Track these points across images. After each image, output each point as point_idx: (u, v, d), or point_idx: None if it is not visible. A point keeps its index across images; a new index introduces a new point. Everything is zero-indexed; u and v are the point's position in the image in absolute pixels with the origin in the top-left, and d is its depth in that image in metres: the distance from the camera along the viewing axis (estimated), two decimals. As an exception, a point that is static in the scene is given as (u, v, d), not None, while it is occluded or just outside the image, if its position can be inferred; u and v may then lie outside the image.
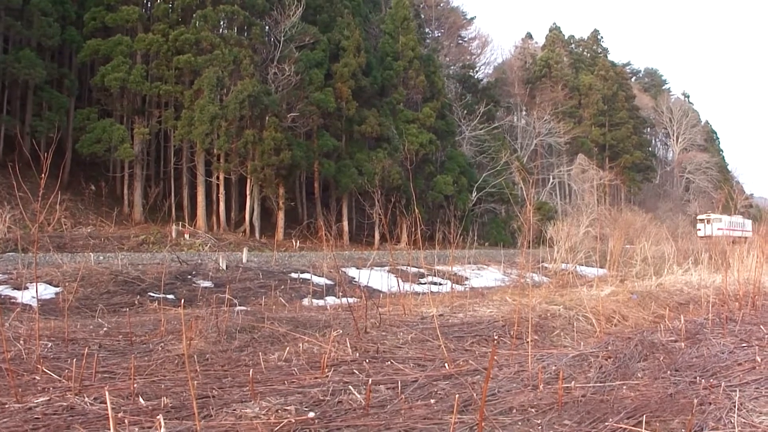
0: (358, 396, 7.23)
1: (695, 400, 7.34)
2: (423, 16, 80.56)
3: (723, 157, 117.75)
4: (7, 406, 6.63)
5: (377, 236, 51.56)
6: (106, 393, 6.26)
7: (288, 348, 9.81)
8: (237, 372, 8.57)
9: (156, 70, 45.07)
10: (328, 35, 52.31)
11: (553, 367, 9.08)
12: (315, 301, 18.66)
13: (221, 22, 47.98)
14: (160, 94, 45.62)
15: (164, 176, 50.00)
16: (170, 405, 6.79)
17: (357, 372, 8.55)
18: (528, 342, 10.04)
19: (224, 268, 22.87)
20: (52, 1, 44.47)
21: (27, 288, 16.48)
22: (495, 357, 9.36)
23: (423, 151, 56.33)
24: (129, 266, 21.17)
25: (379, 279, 23.01)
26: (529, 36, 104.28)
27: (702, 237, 57.44)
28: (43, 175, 8.55)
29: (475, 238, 46.41)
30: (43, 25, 42.96)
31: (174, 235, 37.25)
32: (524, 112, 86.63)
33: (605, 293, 16.59)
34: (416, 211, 20.90)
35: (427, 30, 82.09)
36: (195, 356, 9.06)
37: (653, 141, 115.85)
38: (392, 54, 60.02)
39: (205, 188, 46.40)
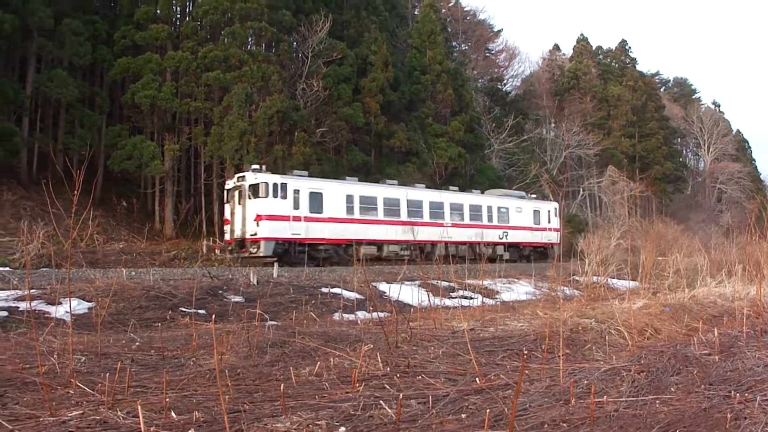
0: (389, 411, 7.21)
1: (729, 415, 7.26)
2: (450, 30, 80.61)
3: (756, 166, 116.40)
4: (41, 419, 6.68)
5: (407, 250, 51.64)
6: (139, 407, 6.32)
7: (319, 362, 9.79)
8: (268, 386, 8.56)
9: (185, 87, 45.39)
10: (355, 50, 52.48)
11: (585, 382, 9.01)
12: (346, 315, 18.58)
13: (249, 39, 48.27)
14: (189, 111, 45.99)
15: (195, 192, 50.31)
16: (202, 419, 6.81)
17: (388, 386, 8.52)
18: (559, 356, 9.96)
19: (255, 283, 22.88)
20: (83, 20, 45.00)
21: (60, 303, 16.59)
22: (526, 371, 9.31)
23: (452, 164, 56.43)
24: (161, 281, 21.23)
25: (409, 293, 22.93)
26: (557, 47, 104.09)
27: None
28: (75, 191, 8.62)
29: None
30: (75, 44, 43.46)
31: (205, 250, 37.65)
32: (553, 124, 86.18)
33: (637, 306, 16.40)
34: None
35: (454, 43, 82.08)
36: (226, 371, 9.07)
37: (684, 151, 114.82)
38: (420, 68, 60.18)
39: (234, 203, 46.56)
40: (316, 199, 35.81)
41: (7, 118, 39.97)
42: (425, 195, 42.59)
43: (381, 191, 39.87)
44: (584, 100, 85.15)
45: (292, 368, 9.41)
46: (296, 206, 34.77)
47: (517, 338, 12.40)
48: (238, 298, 20.61)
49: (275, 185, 34.23)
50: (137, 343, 11.91)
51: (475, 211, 45.41)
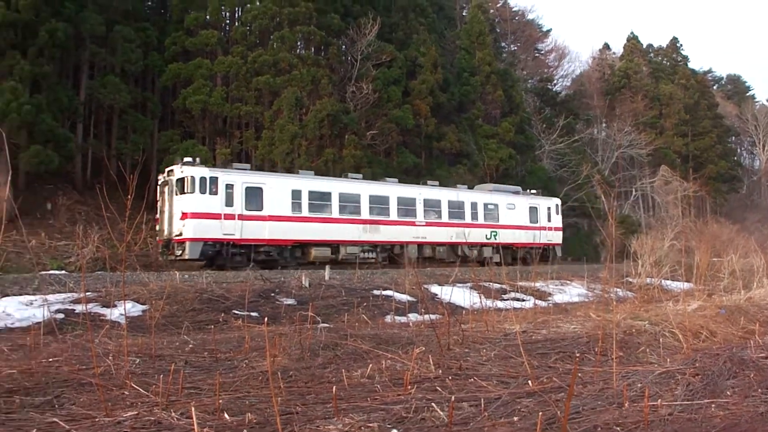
0: (441, 413, 7.20)
1: (787, 419, 7.15)
2: (499, 31, 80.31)
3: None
4: (97, 420, 6.77)
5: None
6: (192, 408, 6.37)
7: (371, 365, 9.79)
8: (320, 389, 8.58)
9: (236, 92, 45.75)
10: (404, 52, 52.49)
11: (639, 385, 8.91)
12: (397, 317, 18.58)
13: (298, 43, 48.48)
14: (240, 115, 46.30)
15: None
16: (255, 421, 6.84)
17: (440, 389, 8.51)
18: (613, 359, 9.87)
19: (307, 285, 22.95)
20: (135, 28, 45.63)
21: (115, 306, 16.80)
22: (579, 374, 9.24)
23: (503, 166, 56.19)
24: (213, 284, 21.38)
25: (461, 295, 22.83)
26: (607, 46, 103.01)
27: None
28: (129, 195, 8.73)
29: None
30: (127, 51, 44.09)
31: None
32: (604, 124, 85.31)
33: (692, 308, 16.20)
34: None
35: (503, 44, 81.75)
36: (279, 373, 9.10)
37: (738, 150, 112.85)
38: (469, 69, 60.05)
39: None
40: (253, 195, 32.47)
41: (62, 125, 40.54)
42: (392, 190, 38.63)
43: (336, 186, 36.22)
44: (635, 99, 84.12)
45: (344, 370, 9.43)
46: (229, 203, 31.42)
47: (569, 341, 12.31)
48: (290, 301, 20.68)
49: (203, 179, 30.94)
50: (191, 345, 12.01)
51: (456, 208, 41.51)
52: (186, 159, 32.33)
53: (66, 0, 41.28)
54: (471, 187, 45.69)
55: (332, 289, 22.77)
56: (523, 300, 24.51)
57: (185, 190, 30.77)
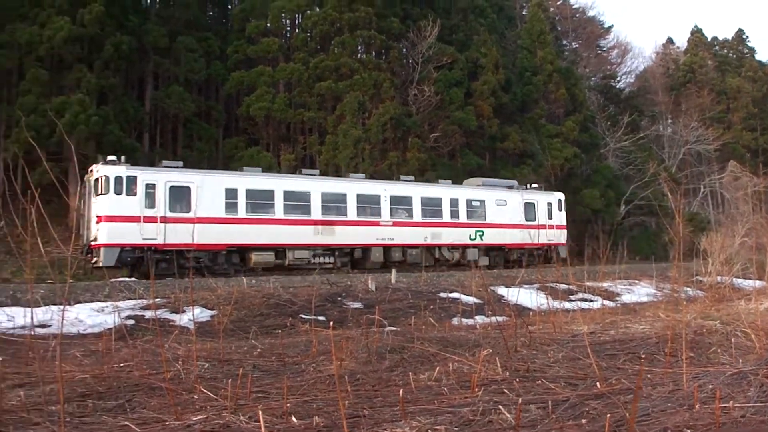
0: (508, 416, 7.13)
1: None
2: (559, 29, 79.65)
3: None
4: (167, 423, 6.84)
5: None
6: (260, 412, 6.40)
7: (438, 367, 9.74)
8: (387, 392, 8.56)
9: (298, 98, 46.12)
10: (465, 54, 52.39)
11: (710, 386, 8.71)
12: (464, 320, 18.52)
13: (359, 48, 48.78)
14: (303, 121, 46.72)
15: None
16: (322, 424, 6.86)
17: (507, 391, 8.43)
18: (683, 359, 9.69)
19: (374, 289, 22.98)
20: (197, 38, 46.37)
21: (184, 311, 17.02)
22: (648, 375, 9.10)
23: (567, 165, 55.66)
24: (280, 289, 21.52)
25: (527, 297, 22.70)
26: (670, 41, 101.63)
27: None
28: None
29: (625, 252, 44.47)
30: (190, 61, 44.84)
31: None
32: (670, 120, 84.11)
33: (765, 307, 15.86)
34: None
35: (564, 42, 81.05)
36: (346, 376, 9.11)
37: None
38: (531, 69, 59.62)
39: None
40: (179, 195, 29.17)
41: (128, 135, 41.26)
42: (350, 186, 34.58)
43: (280, 183, 32.55)
44: (701, 94, 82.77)
45: (411, 373, 9.39)
46: (150, 204, 28.26)
47: (638, 341, 12.12)
48: (356, 305, 20.72)
49: (118, 179, 27.89)
50: (258, 350, 12.09)
51: (431, 205, 36.93)
52: (109, 157, 29.09)
53: (130, 13, 42.11)
54: (460, 182, 41.96)
55: (399, 292, 22.79)
56: (591, 300, 24.27)
57: (100, 191, 27.97)
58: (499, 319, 15.27)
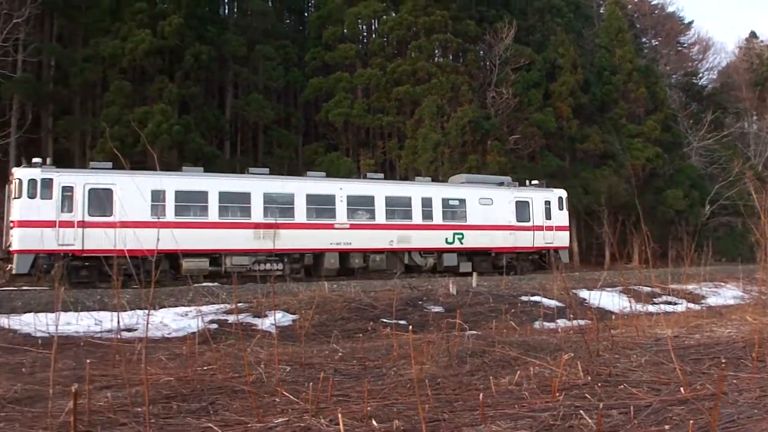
0: (590, 421, 7.02)
1: None
2: (638, 26, 78.51)
3: None
4: (249, 425, 6.91)
5: (607, 256, 50.35)
6: (339, 415, 6.42)
7: (518, 372, 9.66)
8: (468, 396, 8.52)
9: (376, 103, 46.34)
10: (542, 54, 52.04)
11: (800, 393, 8.50)
12: (545, 323, 18.33)
13: (436, 51, 48.80)
14: (382, 126, 46.92)
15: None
16: (402, 428, 6.84)
17: (588, 396, 8.31)
18: (771, 365, 9.47)
19: (455, 293, 22.91)
20: (275, 46, 47.02)
21: (266, 315, 17.20)
22: (734, 380, 8.90)
23: (649, 165, 54.72)
24: (361, 293, 21.59)
25: (609, 300, 22.42)
26: (753, 35, 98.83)
27: None
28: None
29: (710, 253, 42.71)
30: (268, 69, 45.51)
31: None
32: (755, 117, 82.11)
33: None
34: (644, 228, 20.16)
35: (643, 40, 79.81)
36: (426, 380, 9.09)
37: None
38: (609, 68, 58.82)
39: (431, 215, 47.02)
40: (100, 198, 27.07)
41: (210, 143, 41.96)
42: (298, 186, 31.32)
43: (214, 183, 29.78)
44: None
45: (491, 377, 9.33)
46: (66, 208, 26.46)
47: (724, 345, 11.85)
48: (437, 308, 20.69)
49: (32, 182, 26.26)
50: (339, 354, 12.14)
51: (398, 205, 33.23)
52: (34, 160, 27.56)
53: (208, 24, 42.89)
54: (445, 180, 38.87)
55: (480, 296, 22.68)
56: (675, 303, 23.84)
57: (14, 195, 26.51)
58: (581, 322, 15.13)
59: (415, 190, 33.94)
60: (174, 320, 17.24)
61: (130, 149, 34.39)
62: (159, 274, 26.37)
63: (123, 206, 26.23)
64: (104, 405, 7.76)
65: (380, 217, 32.34)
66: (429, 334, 14.28)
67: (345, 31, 49.45)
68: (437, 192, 34.39)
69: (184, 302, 19.63)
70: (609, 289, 24.58)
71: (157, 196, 27.57)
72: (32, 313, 16.73)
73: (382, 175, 36.00)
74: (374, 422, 7.02)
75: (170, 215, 27.77)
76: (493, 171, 42.26)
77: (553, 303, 21.91)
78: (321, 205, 31.15)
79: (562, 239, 37.68)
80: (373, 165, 46.17)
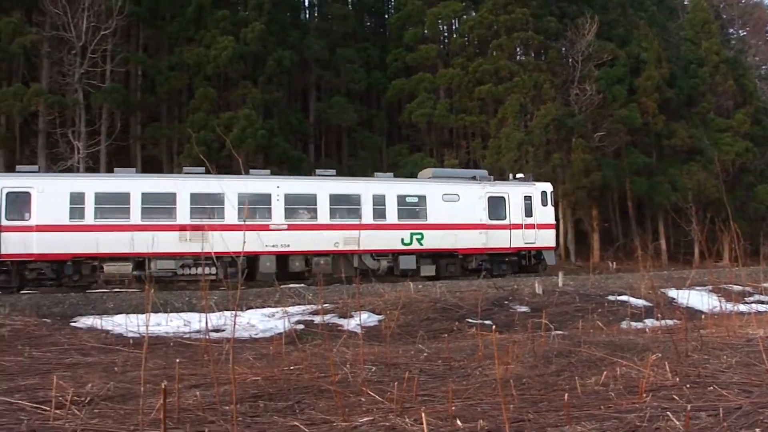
0: (677, 423, 6.90)
1: None
2: (724, 17, 76.90)
3: None
4: (335, 424, 6.98)
5: (696, 254, 49.33)
6: (423, 414, 6.43)
7: (605, 372, 9.55)
8: (553, 396, 8.46)
9: (459, 103, 46.34)
10: (626, 49, 51.34)
11: None
12: (633, 323, 18.10)
13: (517, 50, 48.52)
14: (465, 125, 46.85)
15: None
16: (486, 428, 6.82)
17: (676, 397, 8.16)
18: None
19: (540, 292, 22.73)
20: (356, 48, 47.37)
21: (352, 316, 17.32)
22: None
23: (739, 160, 53.43)
24: (447, 293, 21.55)
25: (699, 299, 21.99)
26: None
27: None
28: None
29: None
30: (350, 72, 45.83)
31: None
32: None
33: None
34: (734, 225, 19.69)
35: (730, 30, 78.19)
36: (511, 380, 9.03)
37: None
38: (696, 61, 57.70)
39: (517, 214, 46.76)
40: (17, 202, 26.33)
41: (294, 146, 42.43)
42: (229, 185, 28.92)
43: (137, 184, 28.24)
44: None
45: (577, 378, 9.24)
46: None
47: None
48: (523, 308, 20.56)
49: None
50: (425, 354, 12.16)
51: (346, 203, 30.77)
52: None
53: (290, 29, 43.47)
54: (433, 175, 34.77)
55: (566, 295, 22.46)
56: (768, 303, 23.26)
57: None
58: (669, 322, 14.89)
59: (365, 187, 30.95)
60: (261, 321, 17.47)
61: (216, 154, 35.08)
62: (78, 278, 26.85)
63: (40, 210, 26.12)
64: (193, 403, 7.92)
65: (323, 216, 29.88)
66: (514, 334, 14.22)
67: (425, 31, 49.50)
68: (392, 188, 31.36)
69: (271, 303, 19.94)
70: (698, 288, 24.10)
71: (76, 199, 26.75)
72: (123, 315, 17.25)
73: (334, 171, 33.19)
74: (458, 422, 7.02)
75: (89, 218, 26.88)
76: (578, 169, 41.76)
77: (640, 302, 21.60)
78: (255, 205, 28.91)
79: (547, 239, 33.24)
80: (457, 165, 46.16)
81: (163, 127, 43.32)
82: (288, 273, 28.57)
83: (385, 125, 50.71)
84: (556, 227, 34.65)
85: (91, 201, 26.79)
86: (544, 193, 33.29)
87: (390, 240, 30.14)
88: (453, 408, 7.44)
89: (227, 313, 16.07)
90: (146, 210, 27.43)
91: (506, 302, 21.25)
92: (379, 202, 30.43)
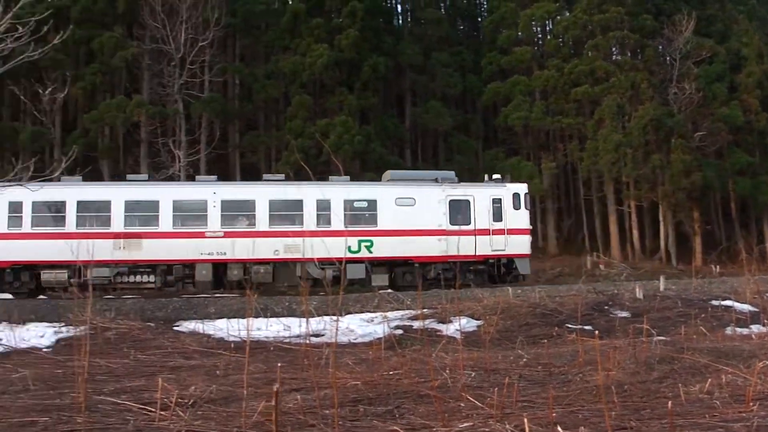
0: (787, 434, 6.80)
1: None
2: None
3: None
4: (434, 429, 7.04)
5: (807, 256, 47.93)
6: (525, 420, 6.42)
7: (709, 380, 9.42)
8: (655, 403, 8.40)
9: (555, 105, 45.97)
10: (725, 45, 50.14)
11: None
12: (738, 329, 17.72)
13: (613, 49, 47.84)
14: (562, 128, 46.49)
15: (574, 208, 50.52)
16: (587, 435, 6.82)
17: (785, 407, 8.03)
18: None
19: (641, 297, 22.42)
20: (450, 53, 47.44)
21: (451, 321, 17.37)
22: None
23: None
24: (546, 298, 21.42)
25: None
26: None
27: None
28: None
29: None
30: (445, 76, 45.96)
31: (588, 265, 36.57)
32: None
33: None
34: None
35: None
36: (612, 387, 8.98)
37: None
38: (801, 55, 55.95)
39: (616, 217, 46.08)
40: None
41: (391, 152, 42.72)
42: (164, 192, 28.95)
43: (72, 193, 27.91)
44: None
45: (680, 385, 9.15)
46: None
47: None
48: (624, 313, 20.31)
49: None
50: (524, 360, 12.14)
51: (286, 209, 29.25)
52: None
53: (383, 35, 43.80)
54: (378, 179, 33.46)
55: (667, 300, 22.11)
56: None
57: None
58: (777, 328, 14.55)
59: (307, 192, 29.07)
60: (360, 326, 17.66)
61: (314, 160, 35.55)
62: (18, 286, 27.01)
63: None
64: (293, 407, 8.08)
65: (262, 223, 28.68)
66: (615, 340, 14.10)
67: (519, 33, 49.23)
68: (338, 193, 29.36)
69: (370, 308, 20.16)
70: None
71: (14, 208, 26.89)
72: (225, 319, 17.68)
73: (282, 176, 31.42)
74: (559, 428, 7.01)
75: (26, 227, 27.07)
76: (678, 170, 40.96)
77: (746, 307, 21.12)
78: (190, 212, 28.57)
79: (519, 245, 30.07)
80: (555, 168, 45.75)
81: (261, 135, 44.16)
82: (229, 282, 28.04)
83: (481, 129, 50.59)
84: (532, 232, 31.66)
85: (28, 210, 27.04)
86: (516, 196, 30.47)
87: (335, 247, 25.38)
88: (554, 414, 7.45)
89: (326, 318, 16.30)
90: (81, 218, 27.34)
91: (606, 307, 21.04)
92: (323, 207, 28.91)
